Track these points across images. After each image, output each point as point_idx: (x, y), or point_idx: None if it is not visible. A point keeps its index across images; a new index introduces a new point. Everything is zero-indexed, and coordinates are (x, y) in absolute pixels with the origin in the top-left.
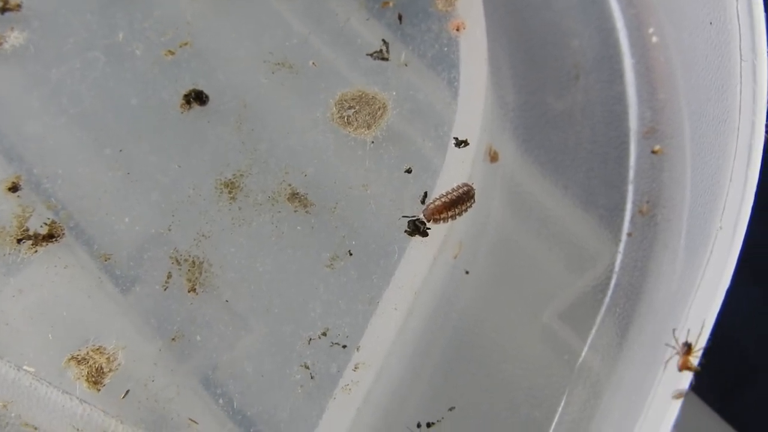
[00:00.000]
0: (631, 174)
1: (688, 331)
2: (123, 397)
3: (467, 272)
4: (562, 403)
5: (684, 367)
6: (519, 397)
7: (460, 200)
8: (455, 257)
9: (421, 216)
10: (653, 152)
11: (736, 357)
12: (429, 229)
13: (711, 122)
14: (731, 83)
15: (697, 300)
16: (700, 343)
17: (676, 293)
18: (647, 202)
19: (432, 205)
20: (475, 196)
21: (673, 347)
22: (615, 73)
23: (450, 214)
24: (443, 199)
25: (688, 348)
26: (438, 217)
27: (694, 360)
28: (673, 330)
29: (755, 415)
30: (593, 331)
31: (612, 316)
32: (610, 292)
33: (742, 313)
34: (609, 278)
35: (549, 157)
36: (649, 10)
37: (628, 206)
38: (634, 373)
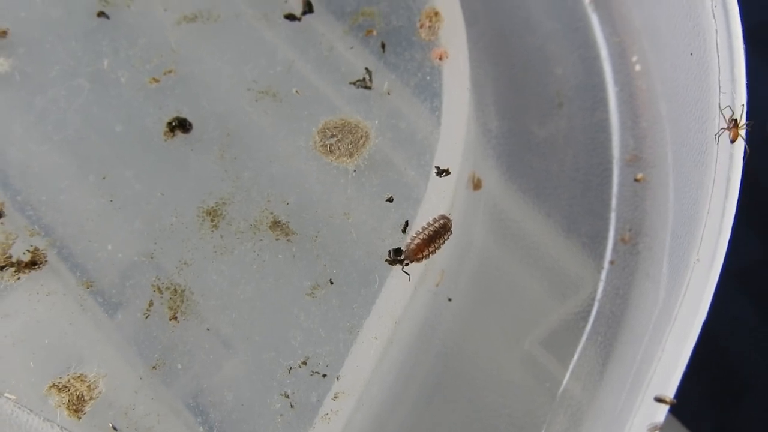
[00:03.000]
0: (614, 202)
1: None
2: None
3: (450, 299)
4: (543, 431)
5: (735, 137)
6: (500, 424)
7: (438, 234)
8: (437, 285)
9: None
10: (636, 180)
11: (726, 373)
12: (410, 263)
13: (691, 152)
14: (710, 114)
15: (673, 333)
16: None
17: (656, 323)
18: (629, 230)
19: (412, 245)
20: (458, 224)
21: (722, 126)
22: (598, 101)
23: (430, 250)
24: (421, 236)
25: (734, 123)
26: (420, 256)
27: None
28: (720, 108)
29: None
30: (575, 358)
31: (593, 344)
32: (591, 320)
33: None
34: (591, 306)
35: (532, 184)
36: (632, 38)
37: (611, 234)
38: (615, 402)
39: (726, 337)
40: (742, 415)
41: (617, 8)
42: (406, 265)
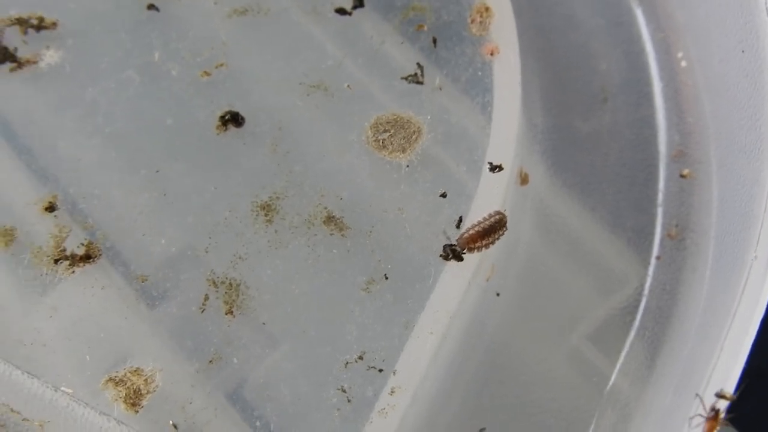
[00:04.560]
0: (660, 197)
1: (716, 399)
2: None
3: (498, 294)
4: (592, 427)
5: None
6: (548, 419)
7: (493, 229)
8: (487, 280)
9: (455, 242)
10: (682, 176)
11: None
12: (464, 253)
13: (743, 149)
14: (764, 112)
15: (732, 331)
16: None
17: (707, 321)
18: (676, 225)
19: (466, 235)
20: (507, 223)
21: (700, 414)
22: (643, 96)
23: (483, 243)
24: (476, 228)
25: (715, 414)
26: (472, 246)
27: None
28: (696, 394)
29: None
30: (622, 354)
31: (641, 340)
32: (639, 316)
33: None
34: (638, 301)
35: (577, 179)
36: (677, 34)
37: (657, 229)
38: (665, 398)
39: None
40: None
41: (661, 4)
42: (462, 254)
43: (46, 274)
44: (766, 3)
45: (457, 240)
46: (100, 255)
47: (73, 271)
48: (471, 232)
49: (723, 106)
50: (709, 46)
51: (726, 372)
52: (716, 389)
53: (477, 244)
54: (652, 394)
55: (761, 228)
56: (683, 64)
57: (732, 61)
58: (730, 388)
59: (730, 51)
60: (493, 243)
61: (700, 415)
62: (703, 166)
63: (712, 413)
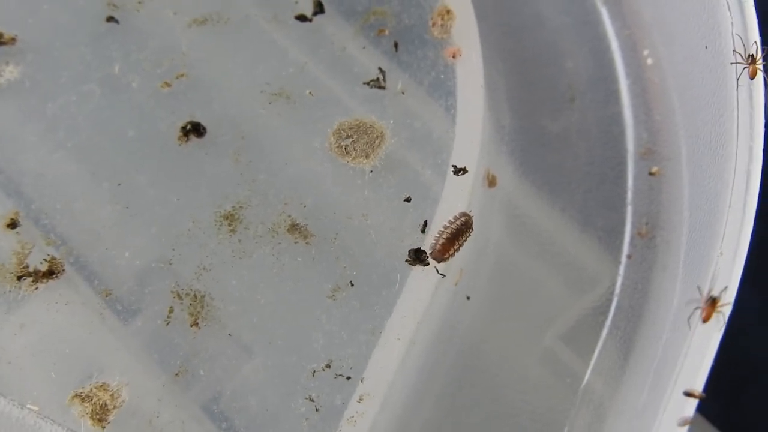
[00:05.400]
0: (630, 195)
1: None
2: None
3: (468, 298)
4: (566, 427)
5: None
6: (523, 421)
7: (460, 232)
8: (456, 284)
9: (426, 251)
10: (651, 174)
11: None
12: (440, 263)
13: (708, 145)
14: (728, 108)
15: (699, 327)
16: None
17: (678, 319)
18: (646, 223)
19: (438, 246)
20: (475, 222)
21: (739, 62)
22: (610, 94)
23: (455, 248)
24: (445, 236)
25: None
26: (447, 255)
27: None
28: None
29: (754, 423)
30: (595, 353)
31: (614, 339)
32: (611, 315)
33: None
34: (609, 300)
35: (546, 179)
36: (643, 31)
37: (627, 228)
38: (639, 396)
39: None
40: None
41: (627, 2)
42: (427, 259)
43: (10, 291)
44: None
45: (430, 255)
46: (64, 270)
47: (37, 288)
48: (441, 241)
49: (689, 103)
50: (674, 43)
51: (693, 371)
52: (683, 388)
53: (450, 252)
54: (625, 392)
55: (726, 224)
56: (649, 61)
57: (696, 58)
58: (698, 387)
59: (694, 47)
60: (462, 246)
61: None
62: (672, 163)
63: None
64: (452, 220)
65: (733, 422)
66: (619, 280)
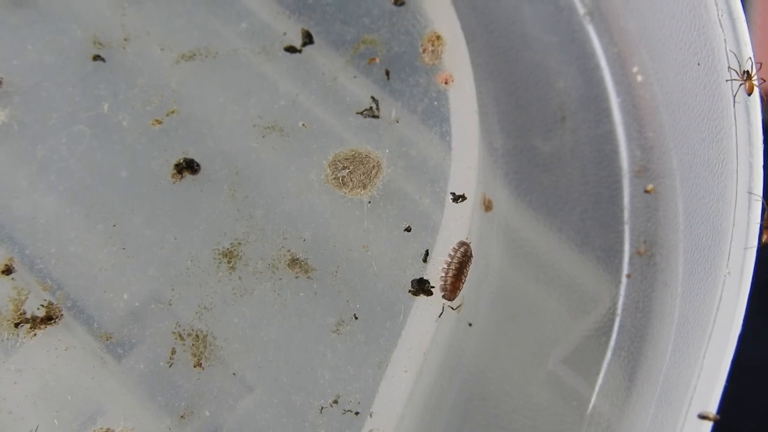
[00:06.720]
0: (626, 214)
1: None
2: None
3: (470, 324)
4: None
5: (751, 90)
6: None
7: (463, 264)
8: (459, 312)
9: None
10: (646, 191)
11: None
12: (433, 287)
13: (706, 163)
14: (725, 125)
15: (711, 346)
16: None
17: (682, 338)
18: (644, 242)
19: (448, 286)
20: (474, 248)
21: (735, 79)
22: (601, 113)
23: (463, 280)
24: (451, 273)
25: (747, 74)
26: (458, 291)
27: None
28: (728, 67)
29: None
30: (600, 375)
31: (618, 360)
32: (614, 335)
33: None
34: (612, 321)
35: (542, 200)
36: (631, 48)
37: (626, 247)
38: (646, 417)
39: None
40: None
41: (614, 19)
42: (431, 289)
43: (7, 339)
44: (719, 15)
45: (443, 296)
46: (62, 315)
47: (35, 334)
48: (449, 279)
49: (682, 120)
50: (664, 59)
51: (707, 393)
52: (698, 411)
53: (459, 287)
54: (632, 414)
55: (731, 243)
56: (639, 78)
57: (688, 74)
58: (712, 409)
59: (685, 64)
60: (467, 276)
61: (741, 84)
62: (667, 180)
63: (745, 74)
64: (452, 253)
65: (733, 422)
66: (620, 300)
